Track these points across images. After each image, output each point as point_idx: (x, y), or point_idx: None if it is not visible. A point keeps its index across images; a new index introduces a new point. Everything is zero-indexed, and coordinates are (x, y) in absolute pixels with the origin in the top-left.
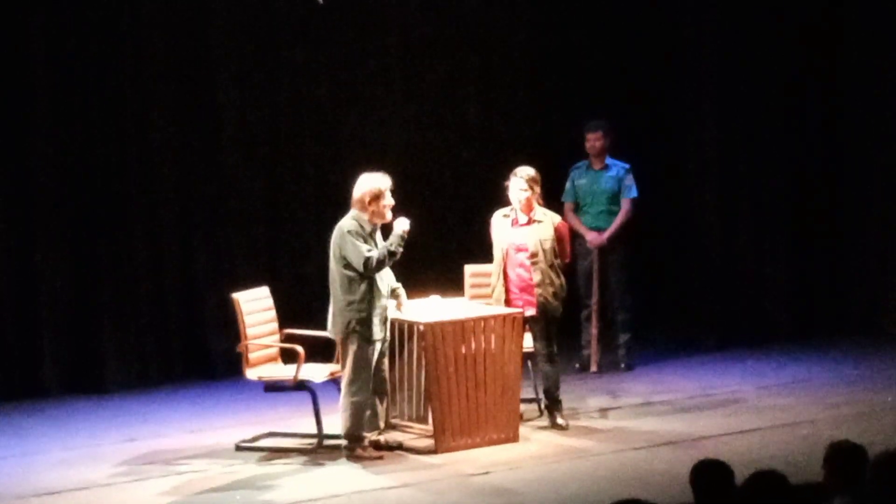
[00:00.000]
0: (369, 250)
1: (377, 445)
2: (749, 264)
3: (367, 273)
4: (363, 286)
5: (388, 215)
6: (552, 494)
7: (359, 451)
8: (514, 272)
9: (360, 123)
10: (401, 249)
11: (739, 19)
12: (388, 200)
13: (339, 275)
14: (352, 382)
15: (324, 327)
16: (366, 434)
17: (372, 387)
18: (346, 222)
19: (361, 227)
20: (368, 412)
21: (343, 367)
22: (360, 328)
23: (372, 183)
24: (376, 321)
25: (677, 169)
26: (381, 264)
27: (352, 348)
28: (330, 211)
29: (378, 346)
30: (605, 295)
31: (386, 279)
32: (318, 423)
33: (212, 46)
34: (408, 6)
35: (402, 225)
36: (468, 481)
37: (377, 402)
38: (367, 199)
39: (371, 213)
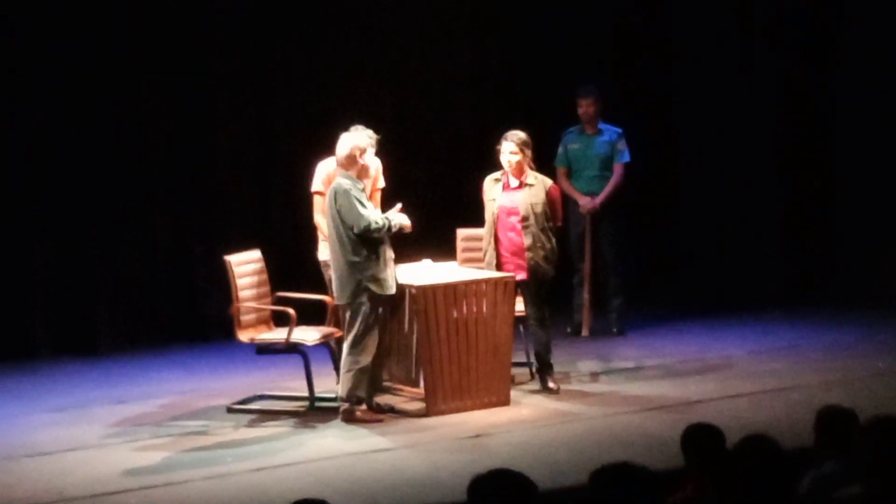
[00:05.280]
0: (367, 214)
1: (370, 408)
2: (741, 230)
3: (366, 235)
4: (367, 244)
5: (372, 171)
6: (543, 458)
7: (358, 414)
8: (506, 236)
9: (351, 87)
10: (393, 229)
11: None
12: (371, 157)
13: (342, 236)
14: (356, 344)
15: (316, 291)
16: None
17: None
18: (343, 182)
19: (356, 185)
20: (369, 375)
21: (348, 329)
22: (372, 286)
23: (358, 137)
24: (386, 275)
25: (669, 134)
26: (378, 231)
27: (362, 309)
28: None
29: (384, 303)
30: (597, 260)
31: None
32: (310, 385)
33: (204, 16)
34: None
35: (401, 219)
36: (459, 444)
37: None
38: (358, 154)
39: (359, 169)
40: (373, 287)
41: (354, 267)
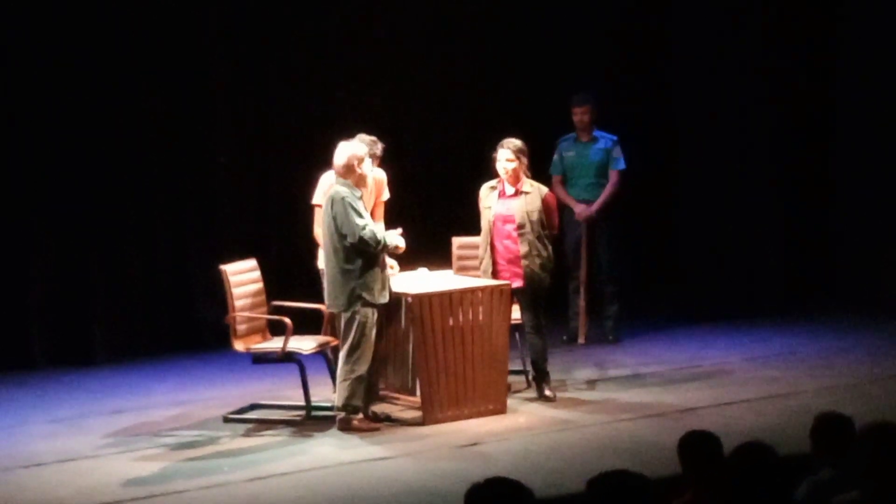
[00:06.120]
0: (365, 225)
1: (367, 417)
2: (738, 236)
3: (360, 246)
4: (361, 253)
5: (370, 181)
6: (540, 465)
7: (355, 423)
8: (502, 244)
9: (347, 95)
10: (387, 248)
11: None
12: (374, 168)
13: (336, 243)
14: (352, 352)
15: (311, 299)
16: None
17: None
18: (341, 190)
19: (354, 194)
20: (365, 384)
21: (344, 338)
22: (365, 295)
23: (355, 146)
24: (378, 286)
25: (667, 138)
26: (374, 244)
27: (357, 318)
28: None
29: (379, 312)
30: (593, 267)
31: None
32: (306, 394)
33: (203, 22)
34: None
35: (397, 240)
36: (456, 453)
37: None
38: (356, 162)
39: (356, 178)
40: (366, 295)
41: (348, 275)
